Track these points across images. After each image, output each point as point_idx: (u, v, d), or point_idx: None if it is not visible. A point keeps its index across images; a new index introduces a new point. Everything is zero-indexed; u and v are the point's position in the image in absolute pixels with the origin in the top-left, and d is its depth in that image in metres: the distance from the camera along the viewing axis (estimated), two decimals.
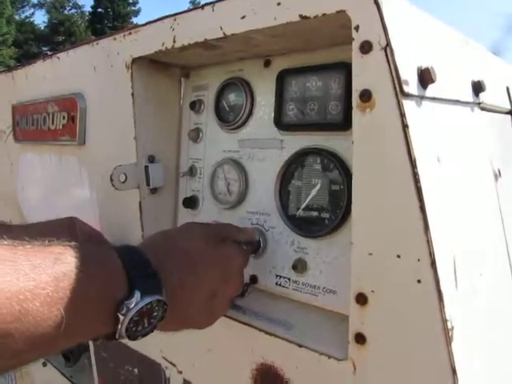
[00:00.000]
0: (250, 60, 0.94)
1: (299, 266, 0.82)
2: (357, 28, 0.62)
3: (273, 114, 0.88)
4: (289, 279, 0.86)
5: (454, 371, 0.58)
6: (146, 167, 1.00)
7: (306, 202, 0.82)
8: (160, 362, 1.07)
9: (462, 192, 0.73)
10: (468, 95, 0.83)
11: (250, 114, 0.93)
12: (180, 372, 1.02)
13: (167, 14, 0.89)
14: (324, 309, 0.81)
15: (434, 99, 0.67)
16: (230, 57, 0.94)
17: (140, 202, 1.01)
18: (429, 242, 0.58)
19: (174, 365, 1.03)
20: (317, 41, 0.79)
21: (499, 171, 0.93)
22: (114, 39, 1.02)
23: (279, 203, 0.86)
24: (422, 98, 0.64)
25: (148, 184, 1.00)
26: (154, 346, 1.08)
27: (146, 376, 1.13)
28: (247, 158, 0.94)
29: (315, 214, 0.82)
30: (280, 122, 0.86)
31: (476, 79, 0.86)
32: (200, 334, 0.94)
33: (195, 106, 1.03)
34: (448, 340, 0.58)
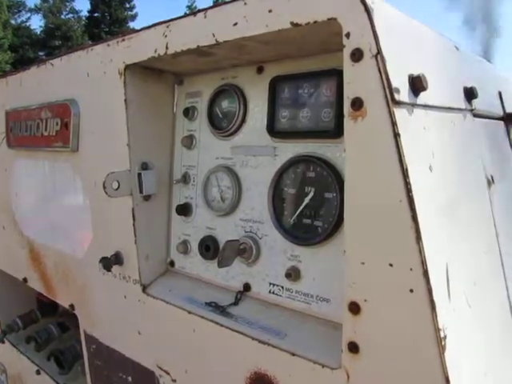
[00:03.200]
0: (243, 67, 0.93)
1: (293, 274, 0.82)
2: (348, 35, 0.61)
3: (266, 121, 0.87)
4: (282, 287, 0.86)
5: (447, 380, 0.58)
6: (139, 174, 0.99)
7: (299, 209, 0.82)
8: (154, 370, 1.06)
9: (454, 200, 0.72)
10: (460, 102, 0.83)
11: (243, 120, 0.93)
12: (174, 380, 1.01)
13: (163, 19, 0.89)
14: (317, 317, 0.80)
15: (425, 106, 0.67)
16: (223, 64, 0.94)
17: (133, 209, 1.01)
18: (421, 252, 0.57)
19: (167, 373, 1.02)
20: (308, 48, 0.79)
21: (492, 178, 0.93)
22: (108, 45, 1.02)
23: (272, 211, 0.86)
24: (414, 105, 0.64)
25: (141, 191, 0.99)
26: (148, 354, 1.07)
27: None
28: (240, 165, 0.94)
29: (308, 221, 0.81)
30: (273, 129, 0.86)
31: (468, 85, 0.86)
32: (193, 342, 0.93)
33: (189, 112, 1.02)
34: (441, 349, 0.58)
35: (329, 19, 0.63)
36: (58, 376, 1.55)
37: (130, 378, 1.16)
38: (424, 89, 0.64)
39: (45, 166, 1.36)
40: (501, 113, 1.17)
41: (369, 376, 0.67)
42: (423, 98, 0.66)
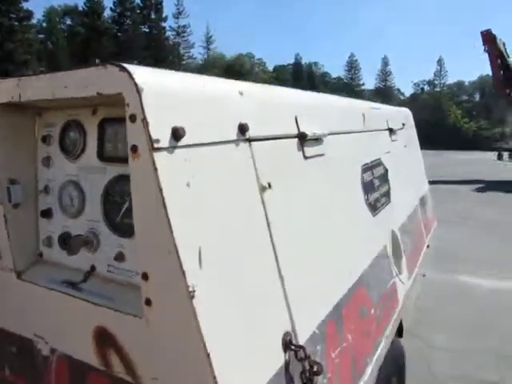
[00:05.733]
0: (83, 108, 1.26)
1: (119, 257, 1.18)
2: (128, 105, 0.97)
3: (96, 150, 1.22)
4: (114, 267, 1.21)
5: (194, 314, 0.96)
6: (8, 188, 1.29)
7: (121, 212, 1.18)
8: (32, 338, 1.38)
9: (218, 204, 1.10)
10: (232, 135, 1.20)
11: (84, 148, 1.26)
12: (46, 342, 1.34)
13: None
14: (135, 284, 1.16)
15: (189, 146, 1.04)
16: (67, 105, 1.27)
17: (4, 215, 1.31)
18: (174, 240, 0.94)
19: (42, 338, 1.35)
20: (115, 102, 1.12)
21: (269, 184, 1.32)
22: None
23: (104, 214, 1.21)
24: (175, 147, 1.00)
25: (9, 201, 1.30)
26: (26, 326, 1.39)
27: (21, 353, 1.43)
28: (83, 180, 1.27)
29: (128, 221, 1.17)
30: (102, 156, 1.21)
31: (243, 122, 1.24)
32: (57, 311, 1.27)
33: (46, 139, 1.34)
34: (190, 297, 0.95)
35: (117, 93, 0.98)
36: None
37: (14, 349, 1.47)
38: (182, 136, 1.00)
39: None
40: (296, 132, 1.58)
41: (159, 320, 1.04)
42: (187, 139, 1.02)
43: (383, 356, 2.07)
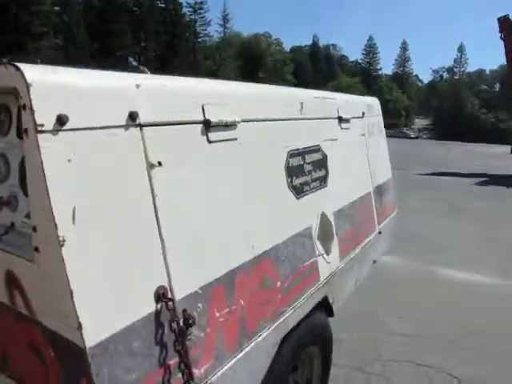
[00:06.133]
0: (10, 95, 1.56)
1: (29, 215, 1.49)
2: (21, 98, 1.27)
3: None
4: (25, 223, 1.53)
5: (63, 261, 1.27)
6: None
7: None
8: None
9: (99, 175, 1.40)
10: (121, 121, 1.49)
11: (10, 127, 1.57)
12: None
13: None
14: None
15: (73, 129, 1.33)
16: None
17: None
18: (50, 203, 1.25)
19: None
20: None
21: (159, 162, 1.62)
22: None
23: (19, 180, 1.53)
24: (58, 130, 1.30)
25: None
26: None
27: None
28: (9, 152, 1.59)
29: None
30: (19, 134, 1.52)
31: (134, 110, 1.53)
32: None
33: None
34: (60, 246, 1.26)
35: (14, 87, 1.28)
36: None
37: None
38: (65, 122, 1.30)
39: None
40: (202, 118, 1.86)
41: (43, 264, 1.35)
42: (70, 125, 1.32)
43: (290, 325, 2.40)
